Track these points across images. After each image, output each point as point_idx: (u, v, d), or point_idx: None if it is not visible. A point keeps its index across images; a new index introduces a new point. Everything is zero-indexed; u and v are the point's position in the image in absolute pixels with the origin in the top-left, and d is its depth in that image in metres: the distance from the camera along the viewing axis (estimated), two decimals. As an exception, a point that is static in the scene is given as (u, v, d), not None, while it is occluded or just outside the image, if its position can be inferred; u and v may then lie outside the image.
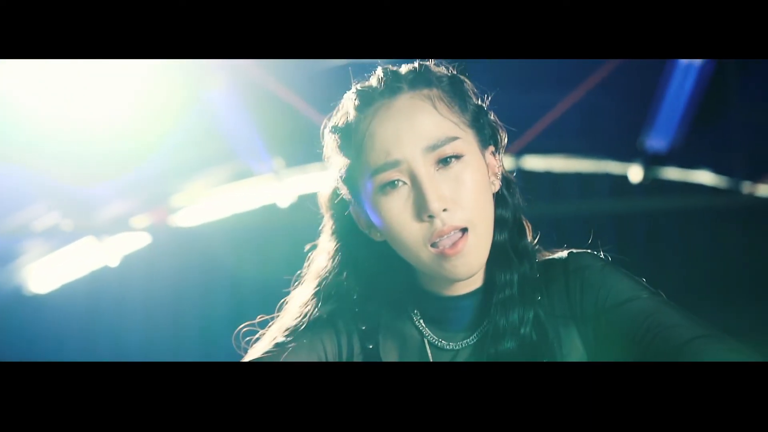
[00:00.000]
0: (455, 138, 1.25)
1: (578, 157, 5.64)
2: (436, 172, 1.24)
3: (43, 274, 6.15)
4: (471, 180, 1.24)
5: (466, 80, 1.34)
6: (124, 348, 6.08)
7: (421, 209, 1.22)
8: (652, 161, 5.54)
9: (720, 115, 5.06)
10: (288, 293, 1.40)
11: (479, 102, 1.34)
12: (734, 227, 5.45)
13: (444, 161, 1.24)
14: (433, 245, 1.23)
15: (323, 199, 1.39)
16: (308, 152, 5.76)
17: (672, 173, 5.63)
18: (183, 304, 6.13)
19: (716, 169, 5.51)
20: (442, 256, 1.23)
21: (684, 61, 4.83)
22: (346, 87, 1.35)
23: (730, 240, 5.45)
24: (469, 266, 1.24)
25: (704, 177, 5.58)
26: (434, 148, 1.24)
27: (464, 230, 1.23)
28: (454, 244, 1.22)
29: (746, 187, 5.26)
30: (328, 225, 1.39)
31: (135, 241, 6.16)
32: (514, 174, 1.35)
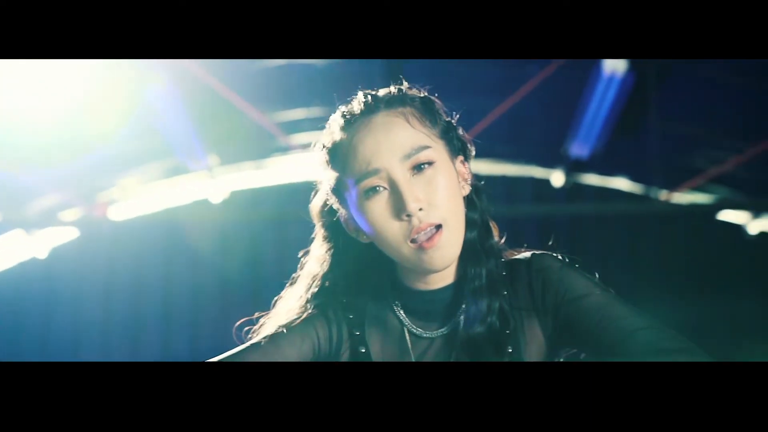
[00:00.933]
0: (427, 147, 1.43)
1: (504, 161, 5.87)
2: (412, 177, 1.41)
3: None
4: (443, 183, 1.42)
5: (437, 100, 1.52)
6: (52, 345, 6.05)
7: (400, 210, 1.39)
8: (573, 167, 5.81)
9: (639, 125, 5.34)
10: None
11: (448, 119, 1.52)
12: (649, 231, 5.74)
13: (418, 167, 1.42)
14: (413, 241, 1.40)
15: (315, 210, 1.54)
16: (243, 150, 5.84)
17: (592, 179, 5.91)
18: (113, 299, 6.14)
19: (633, 177, 5.79)
20: (421, 249, 1.40)
21: (606, 73, 5.10)
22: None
23: (644, 243, 5.74)
24: (444, 258, 1.41)
25: (622, 183, 5.87)
26: (409, 156, 1.41)
27: (439, 226, 1.40)
28: (430, 238, 1.40)
29: (661, 194, 5.55)
30: (320, 233, 1.54)
31: (65, 234, 6.15)
32: (483, 182, 1.53)
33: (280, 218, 5.48)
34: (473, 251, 1.48)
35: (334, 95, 1.57)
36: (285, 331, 1.47)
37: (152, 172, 6.06)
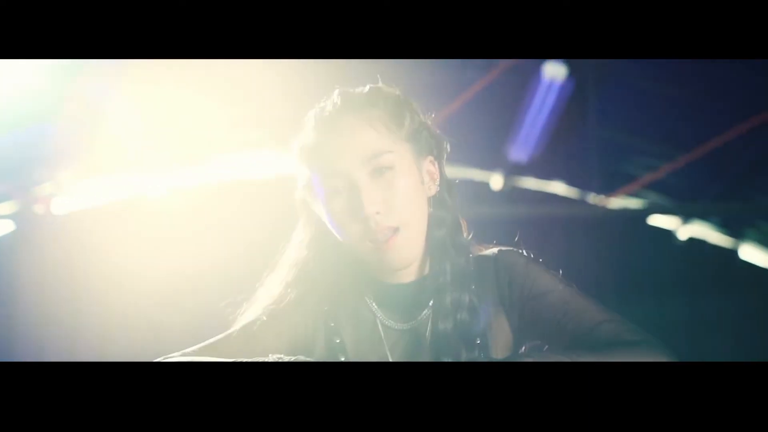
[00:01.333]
0: (387, 152, 1.48)
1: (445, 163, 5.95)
2: (372, 180, 1.47)
3: None
4: (402, 187, 1.48)
5: (410, 100, 1.58)
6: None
7: (359, 212, 1.45)
8: (512, 171, 5.93)
9: (576, 131, 5.48)
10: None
11: (421, 118, 1.57)
12: (583, 235, 5.88)
13: (377, 171, 1.47)
14: (371, 241, 1.46)
15: (296, 200, 1.59)
16: (186, 146, 5.81)
17: (530, 183, 6.04)
18: (48, 296, 6.04)
19: (570, 181, 5.94)
20: (379, 250, 1.46)
21: (546, 79, 5.23)
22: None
23: (579, 247, 5.88)
24: (402, 258, 1.48)
25: (559, 188, 6.01)
26: (369, 160, 1.47)
27: (396, 229, 1.46)
28: (387, 240, 1.46)
29: (596, 199, 5.70)
30: (300, 222, 1.59)
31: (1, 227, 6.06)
32: (457, 181, 1.60)
33: (222, 214, 5.49)
34: (443, 248, 1.55)
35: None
36: (265, 318, 1.51)
37: (91, 166, 6.00)
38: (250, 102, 5.07)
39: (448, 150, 1.60)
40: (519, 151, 5.69)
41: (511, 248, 1.58)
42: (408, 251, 1.48)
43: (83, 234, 6.00)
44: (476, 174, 6.04)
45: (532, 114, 5.42)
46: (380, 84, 1.57)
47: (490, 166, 5.95)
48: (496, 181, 6.02)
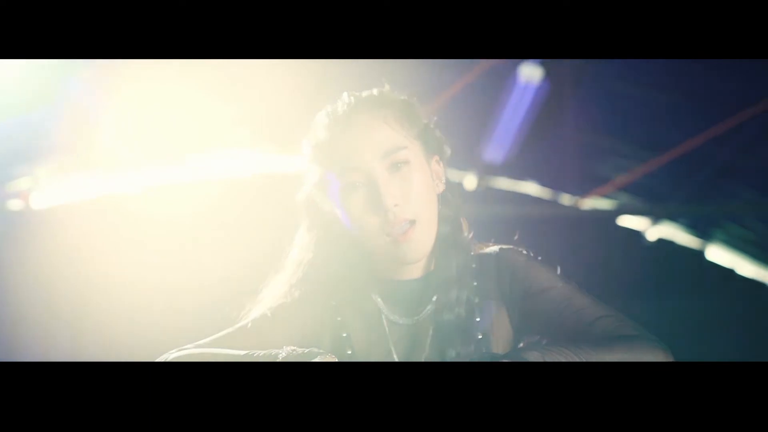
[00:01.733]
0: (404, 147, 1.55)
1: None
2: (389, 175, 1.53)
3: None
4: (417, 181, 1.54)
5: (416, 104, 1.65)
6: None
7: (377, 205, 1.51)
8: (486, 171, 5.99)
9: (551, 133, 5.56)
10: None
11: (426, 121, 1.64)
12: (556, 235, 5.96)
13: (395, 166, 1.54)
14: (388, 234, 1.52)
15: (301, 201, 1.63)
16: (163, 144, 5.81)
17: (504, 183, 6.11)
18: (21, 294, 6.00)
19: (543, 182, 6.02)
20: (395, 243, 1.52)
21: (522, 81, 5.30)
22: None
23: (551, 248, 5.95)
24: (417, 251, 1.54)
25: (532, 188, 6.09)
26: (387, 155, 1.53)
27: (412, 222, 1.52)
28: (405, 233, 1.52)
29: (569, 199, 5.78)
30: (304, 222, 1.64)
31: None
32: (459, 183, 1.65)
33: (197, 214, 5.49)
34: (446, 245, 1.61)
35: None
36: (270, 314, 1.56)
37: (70, 162, 5.97)
38: (240, 101, 5.07)
39: (449, 153, 1.66)
40: (494, 152, 5.75)
41: (512, 246, 1.64)
42: (422, 245, 1.54)
43: (63, 230, 5.96)
44: (451, 174, 6.09)
45: (507, 115, 5.48)
46: (387, 87, 1.63)
47: (464, 166, 6.01)
48: (470, 181, 6.09)
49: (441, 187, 1.63)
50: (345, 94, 1.61)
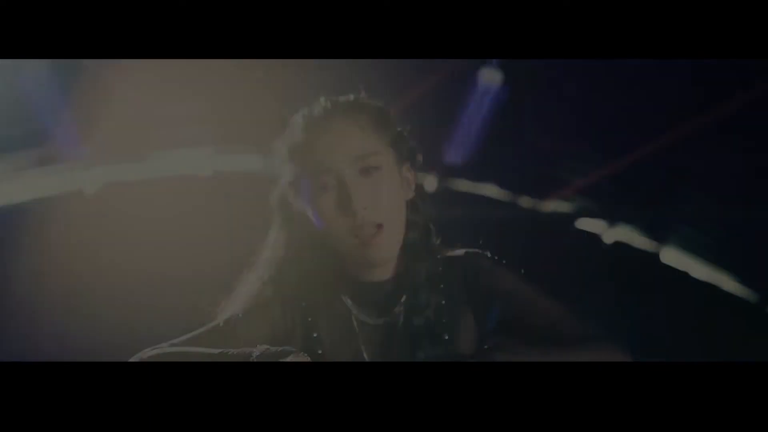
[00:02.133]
0: (376, 153, 1.58)
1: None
2: (360, 179, 1.57)
3: None
4: (387, 187, 1.59)
5: (390, 111, 1.69)
6: None
7: (347, 208, 1.55)
8: (446, 173, 6.04)
9: (510, 135, 5.62)
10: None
11: (399, 129, 1.69)
12: (515, 237, 6.02)
13: (366, 171, 1.57)
14: (356, 236, 1.56)
15: (274, 199, 1.66)
16: (121, 141, 5.77)
17: (464, 185, 6.16)
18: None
19: (502, 184, 6.08)
20: (363, 245, 1.56)
21: (482, 84, 5.35)
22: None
23: (510, 249, 6.02)
24: (383, 254, 1.58)
25: (492, 190, 6.15)
26: (359, 159, 1.57)
27: (380, 225, 1.56)
28: (372, 236, 1.56)
29: (528, 202, 5.84)
30: (276, 221, 1.66)
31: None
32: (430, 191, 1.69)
33: (158, 212, 5.46)
34: (414, 249, 1.64)
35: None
36: (241, 315, 1.58)
37: (23, 160, 5.90)
38: (215, 100, 5.06)
39: (421, 161, 1.70)
40: (454, 154, 5.80)
41: (477, 250, 1.68)
42: (388, 249, 1.58)
43: (13, 229, 5.89)
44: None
45: (467, 118, 5.54)
46: (363, 94, 1.67)
47: (424, 168, 6.05)
48: (430, 183, 6.13)
49: (410, 194, 1.68)
50: (322, 98, 1.65)
